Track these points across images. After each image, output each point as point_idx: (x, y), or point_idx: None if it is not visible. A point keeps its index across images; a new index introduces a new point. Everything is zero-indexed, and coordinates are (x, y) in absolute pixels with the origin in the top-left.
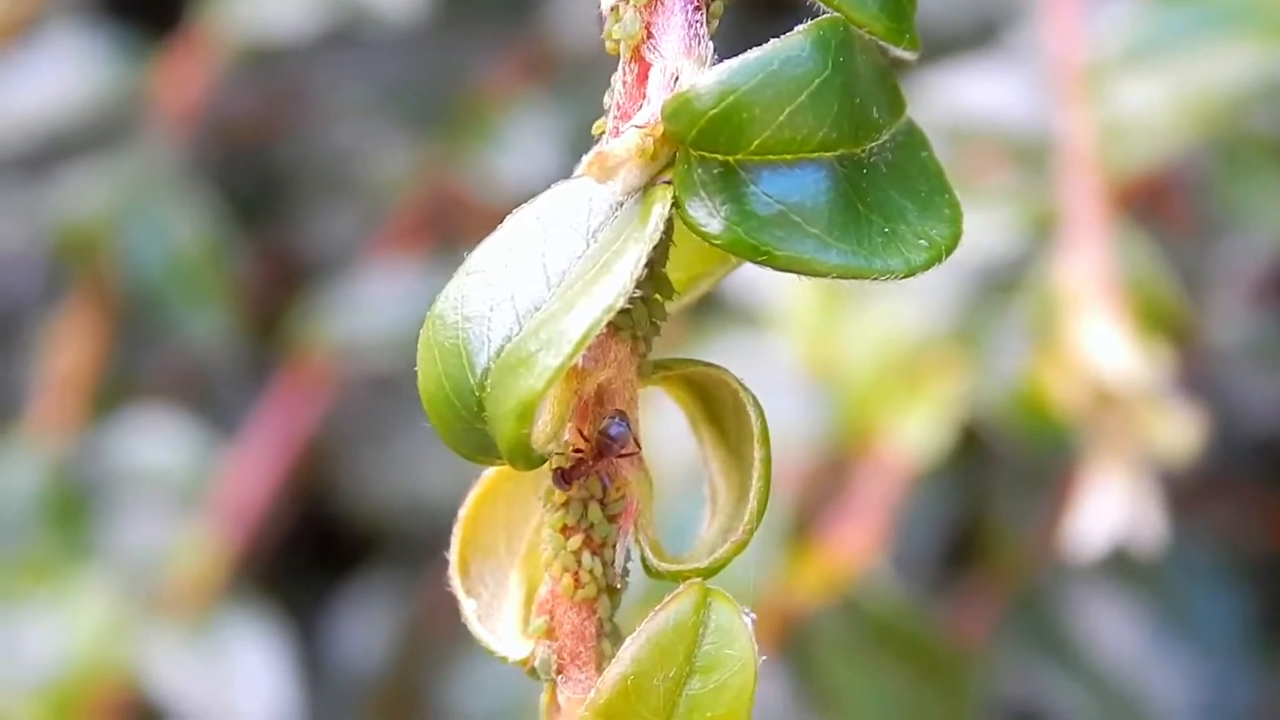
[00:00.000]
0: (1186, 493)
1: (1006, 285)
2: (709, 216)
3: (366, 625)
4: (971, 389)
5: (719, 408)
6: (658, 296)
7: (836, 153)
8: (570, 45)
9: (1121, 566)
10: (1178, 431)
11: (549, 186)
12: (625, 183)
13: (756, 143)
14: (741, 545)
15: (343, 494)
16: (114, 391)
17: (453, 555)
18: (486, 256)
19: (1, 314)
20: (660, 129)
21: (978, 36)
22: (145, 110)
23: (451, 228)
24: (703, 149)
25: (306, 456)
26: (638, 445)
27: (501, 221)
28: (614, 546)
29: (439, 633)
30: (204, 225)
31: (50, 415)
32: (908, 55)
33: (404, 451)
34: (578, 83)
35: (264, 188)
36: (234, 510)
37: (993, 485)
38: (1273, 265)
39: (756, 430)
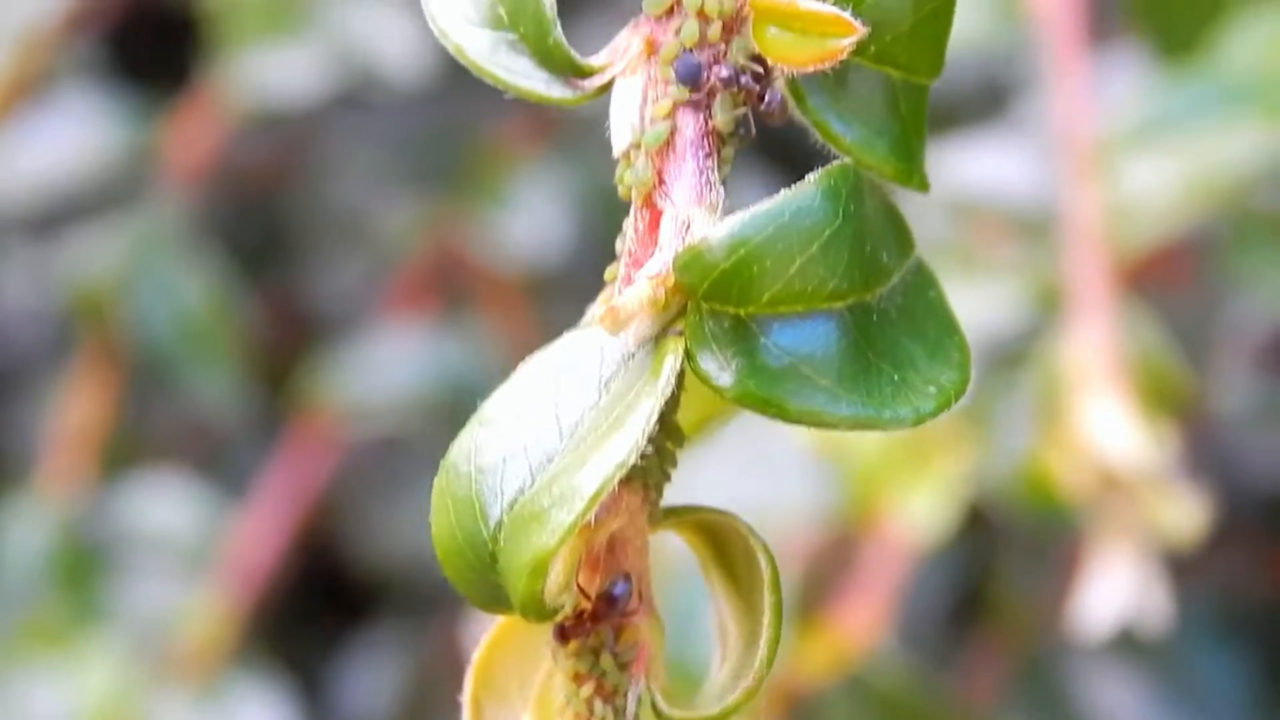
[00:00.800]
0: (1191, 550)
1: (1013, 360)
2: (720, 370)
3: (374, 677)
4: (978, 466)
5: (730, 552)
6: (669, 445)
7: (847, 302)
8: (578, 105)
9: (1126, 639)
10: (1183, 514)
11: (556, 249)
12: (637, 333)
13: (768, 295)
14: (752, 693)
15: (349, 546)
16: (124, 448)
17: (465, 699)
18: (499, 406)
19: (12, 369)
20: (672, 280)
21: (984, 104)
22: (154, 169)
23: (459, 287)
24: (714, 301)
25: (314, 510)
26: (643, 599)
27: (508, 286)
28: (626, 694)
29: (445, 685)
30: (213, 284)
31: (60, 473)
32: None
33: (411, 505)
34: (585, 143)
35: (273, 238)
36: (242, 571)
37: (999, 556)
38: (1278, 330)
39: (767, 578)
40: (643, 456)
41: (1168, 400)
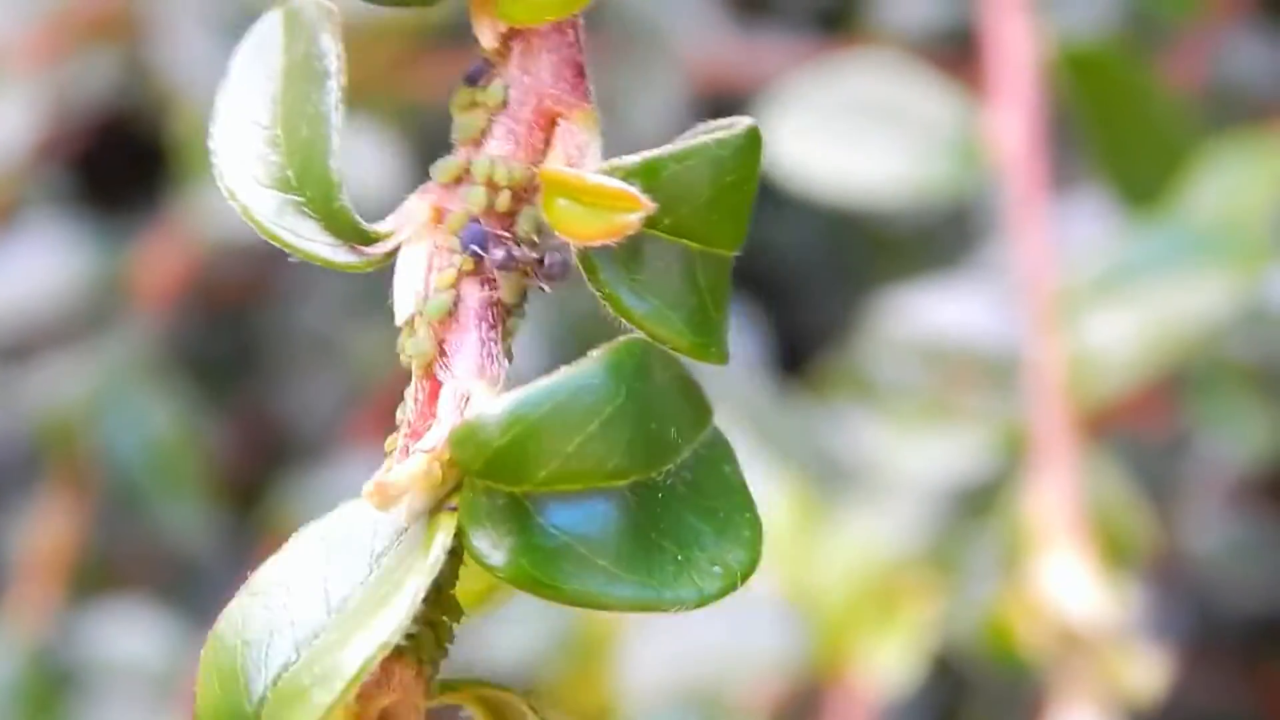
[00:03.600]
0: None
1: (981, 507)
2: (492, 548)
3: None
4: (945, 614)
5: None
6: (444, 619)
7: (628, 480)
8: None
9: None
10: (1144, 672)
11: (529, 378)
12: (410, 508)
13: (544, 474)
14: None
15: None
16: (92, 573)
17: None
18: (269, 577)
19: None
20: (447, 454)
21: (953, 240)
22: (123, 296)
23: None
24: (489, 478)
25: None
26: None
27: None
28: None
29: None
30: (181, 412)
31: (29, 599)
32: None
33: None
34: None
35: (243, 356)
36: None
37: (965, 705)
38: (1249, 470)
39: None
40: (411, 634)
41: (1130, 552)
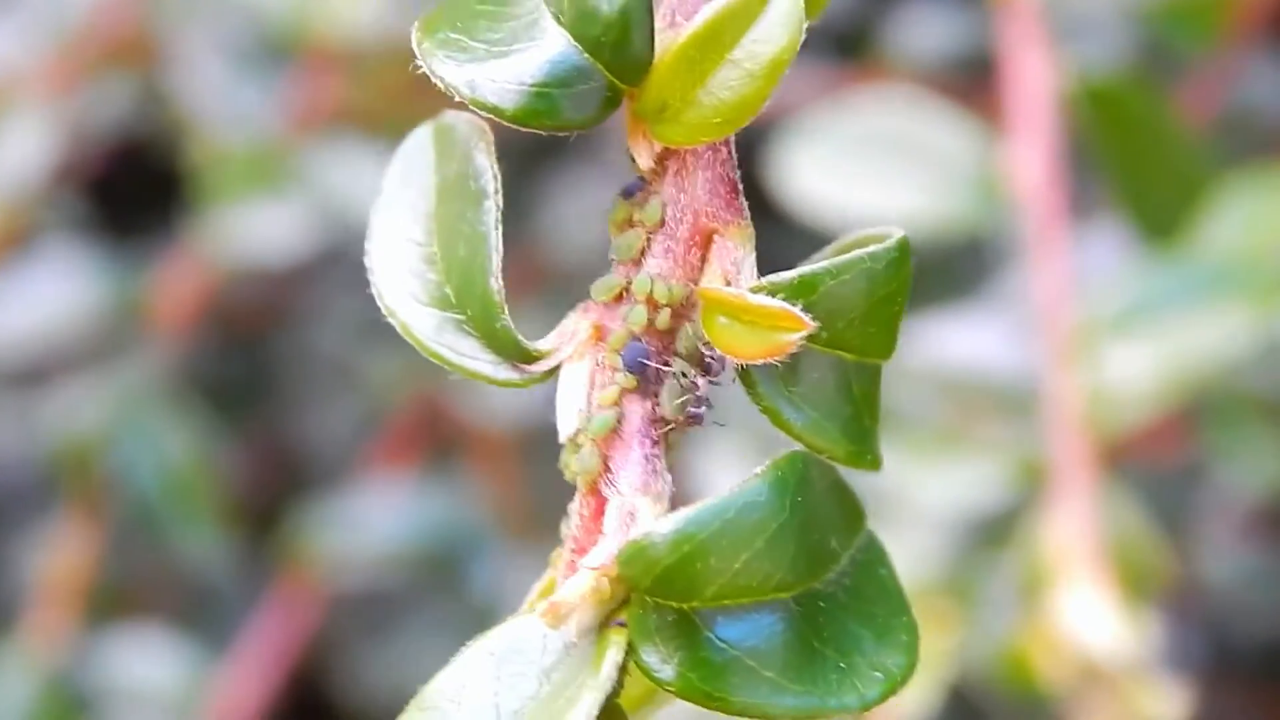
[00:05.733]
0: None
1: (998, 537)
2: (662, 663)
3: None
4: (962, 646)
5: None
6: None
7: (793, 593)
8: (563, 258)
9: None
10: (1163, 704)
11: (543, 406)
12: (579, 624)
13: (712, 591)
14: None
15: (334, 697)
16: (108, 598)
17: None
18: (441, 691)
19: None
20: (615, 570)
21: (971, 270)
22: (139, 322)
23: (446, 440)
24: (658, 595)
25: (299, 663)
26: None
27: (495, 440)
28: None
29: None
30: (196, 438)
31: (45, 625)
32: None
33: (396, 656)
34: (571, 295)
35: (259, 380)
36: None
37: None
38: (1264, 500)
39: None
40: None
41: (1148, 583)
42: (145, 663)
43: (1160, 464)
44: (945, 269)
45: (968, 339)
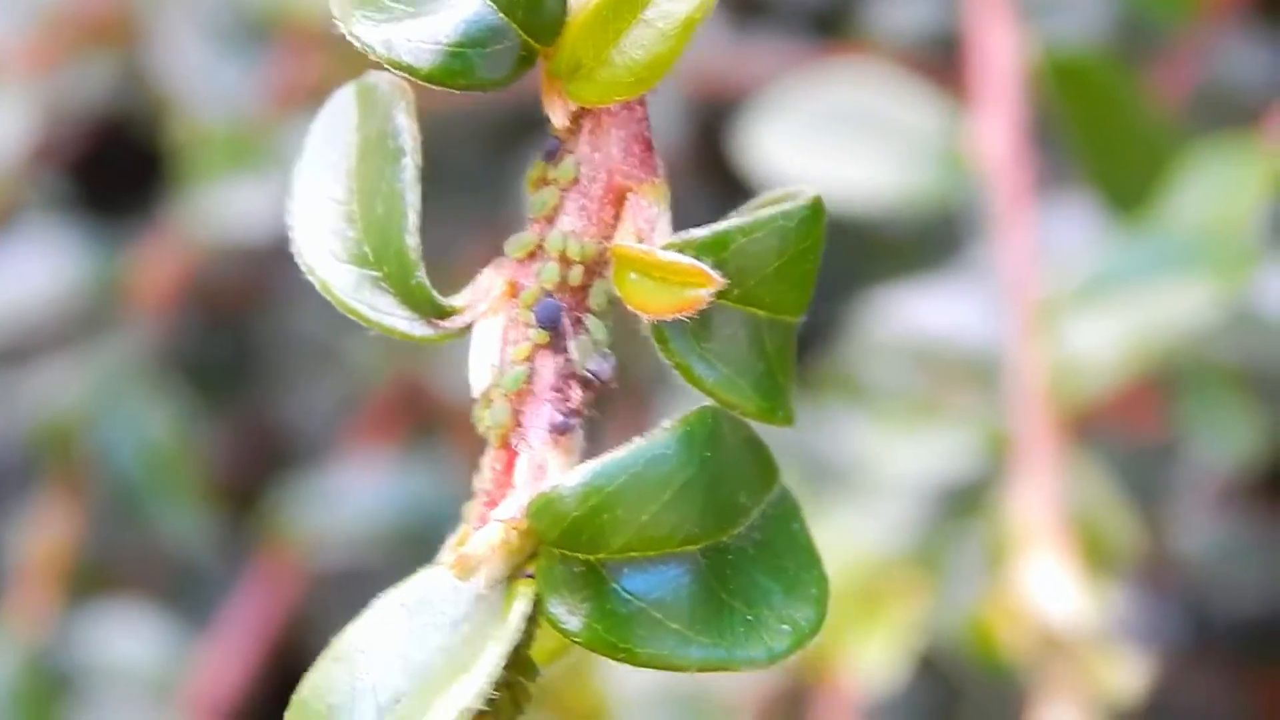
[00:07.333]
0: (1162, 676)
1: (968, 507)
2: (569, 615)
3: None
4: (931, 614)
5: None
6: (521, 680)
7: (700, 545)
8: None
9: None
10: (1126, 675)
11: None
12: (488, 575)
13: (619, 543)
14: None
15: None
16: (89, 576)
17: None
18: (352, 643)
19: None
20: (524, 523)
21: (938, 241)
22: (120, 300)
23: (426, 418)
24: (565, 547)
25: (279, 640)
26: None
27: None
28: None
29: None
30: (177, 417)
31: (26, 603)
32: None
33: None
34: None
35: (241, 360)
36: (207, 702)
37: (953, 702)
38: (1238, 472)
39: None
40: (491, 697)
41: (1113, 555)
42: (126, 640)
43: (1137, 438)
44: (915, 241)
45: (939, 310)
